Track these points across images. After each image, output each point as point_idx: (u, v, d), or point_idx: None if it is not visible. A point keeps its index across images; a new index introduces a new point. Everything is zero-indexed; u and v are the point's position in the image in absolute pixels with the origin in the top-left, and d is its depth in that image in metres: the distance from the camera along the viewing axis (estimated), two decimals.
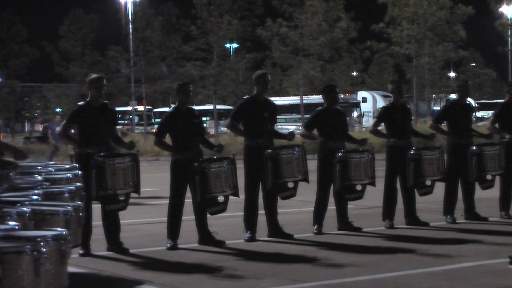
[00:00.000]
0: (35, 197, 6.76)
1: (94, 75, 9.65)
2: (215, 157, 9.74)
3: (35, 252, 5.00)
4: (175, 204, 9.62)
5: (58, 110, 69.77)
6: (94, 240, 9.34)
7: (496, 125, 11.66)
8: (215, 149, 9.90)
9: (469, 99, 15.00)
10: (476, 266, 8.11)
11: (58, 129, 27.74)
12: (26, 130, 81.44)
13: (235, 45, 47.69)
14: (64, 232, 5.34)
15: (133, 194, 9.16)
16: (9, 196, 6.75)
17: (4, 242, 5.04)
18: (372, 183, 10.49)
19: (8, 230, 5.40)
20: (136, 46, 47.60)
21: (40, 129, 65.89)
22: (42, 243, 5.05)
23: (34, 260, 4.99)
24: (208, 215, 9.66)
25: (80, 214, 6.76)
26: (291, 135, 10.36)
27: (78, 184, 8.12)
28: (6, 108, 57.35)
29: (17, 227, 5.55)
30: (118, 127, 9.93)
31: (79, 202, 6.97)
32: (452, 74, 70.53)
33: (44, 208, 6.41)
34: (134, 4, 48.28)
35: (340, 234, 10.42)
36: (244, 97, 10.46)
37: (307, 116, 28.05)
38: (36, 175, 8.22)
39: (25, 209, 6.05)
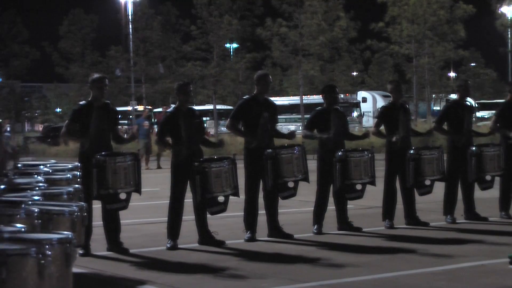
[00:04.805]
0: (36, 197, 6.75)
1: (96, 75, 9.67)
2: (215, 157, 9.74)
3: (40, 255, 4.98)
4: (175, 204, 9.62)
5: (58, 110, 69.81)
6: (94, 240, 9.34)
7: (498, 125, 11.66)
8: (216, 142, 9.98)
9: (470, 100, 14.98)
10: (476, 266, 8.11)
11: (146, 123, 27.15)
12: (26, 130, 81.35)
13: (235, 45, 47.75)
14: (70, 235, 5.33)
15: (134, 194, 9.16)
16: (9, 196, 6.74)
17: (9, 244, 5.03)
18: (372, 182, 10.49)
19: (15, 232, 5.40)
20: (136, 46, 47.65)
21: (40, 129, 65.86)
22: (47, 246, 5.04)
23: (38, 263, 4.98)
24: (208, 215, 9.67)
25: (84, 214, 6.76)
26: (291, 134, 10.34)
27: (77, 185, 8.11)
28: (6, 108, 57.35)
29: (23, 229, 5.55)
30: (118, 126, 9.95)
31: (82, 203, 6.97)
32: (452, 74, 70.52)
33: (50, 208, 6.41)
34: (134, 4, 48.32)
35: (340, 234, 10.41)
36: (244, 97, 10.47)
37: (307, 116, 28.01)
38: (35, 176, 8.21)
39: (33, 208, 6.05)
